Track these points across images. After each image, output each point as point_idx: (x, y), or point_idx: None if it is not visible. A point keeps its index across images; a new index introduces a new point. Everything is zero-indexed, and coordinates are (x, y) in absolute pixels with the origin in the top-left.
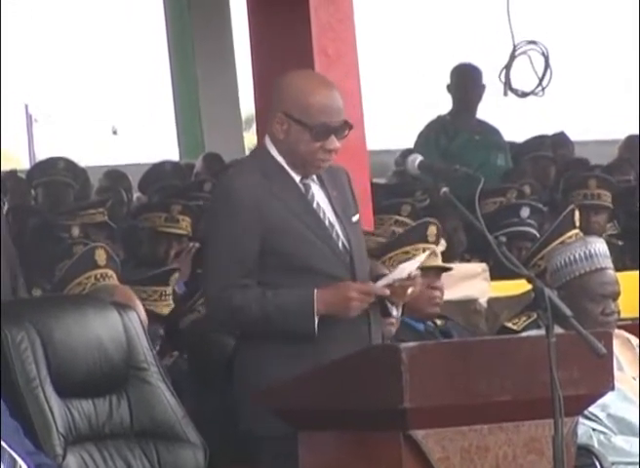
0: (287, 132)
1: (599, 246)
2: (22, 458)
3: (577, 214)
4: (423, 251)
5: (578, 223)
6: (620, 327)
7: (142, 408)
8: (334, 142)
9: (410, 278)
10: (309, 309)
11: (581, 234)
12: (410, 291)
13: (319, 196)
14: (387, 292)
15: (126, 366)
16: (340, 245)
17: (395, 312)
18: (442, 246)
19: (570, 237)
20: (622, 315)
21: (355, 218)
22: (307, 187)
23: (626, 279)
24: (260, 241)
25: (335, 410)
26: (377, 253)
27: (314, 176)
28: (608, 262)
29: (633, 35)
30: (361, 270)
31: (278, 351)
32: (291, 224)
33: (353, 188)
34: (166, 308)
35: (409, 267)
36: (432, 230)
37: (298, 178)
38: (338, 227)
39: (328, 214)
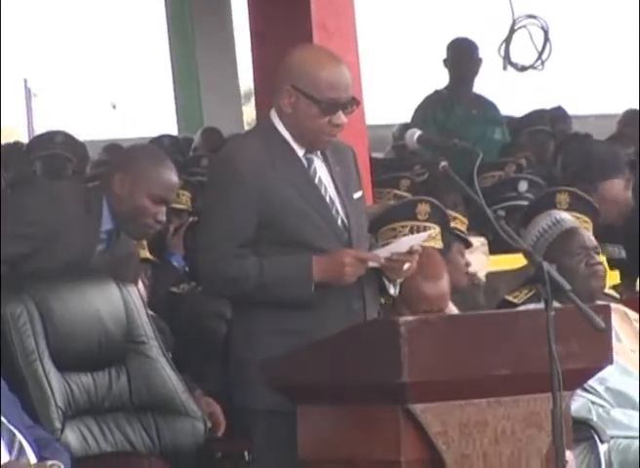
0: (294, 105)
1: (563, 214)
2: (21, 432)
3: (560, 195)
4: (410, 229)
5: (566, 205)
6: (623, 302)
7: (142, 381)
8: (341, 117)
9: (410, 252)
10: (307, 275)
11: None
12: (406, 266)
13: (321, 171)
14: (382, 260)
15: (125, 340)
16: (340, 221)
17: (392, 290)
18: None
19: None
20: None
21: (357, 195)
22: (310, 162)
23: None
24: (258, 213)
25: (333, 385)
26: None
27: (318, 152)
28: (576, 224)
29: (633, 9)
30: (358, 247)
31: (271, 327)
32: (290, 198)
33: (358, 165)
34: (143, 251)
35: (410, 241)
36: (423, 208)
37: (301, 153)
38: (338, 203)
39: (329, 189)
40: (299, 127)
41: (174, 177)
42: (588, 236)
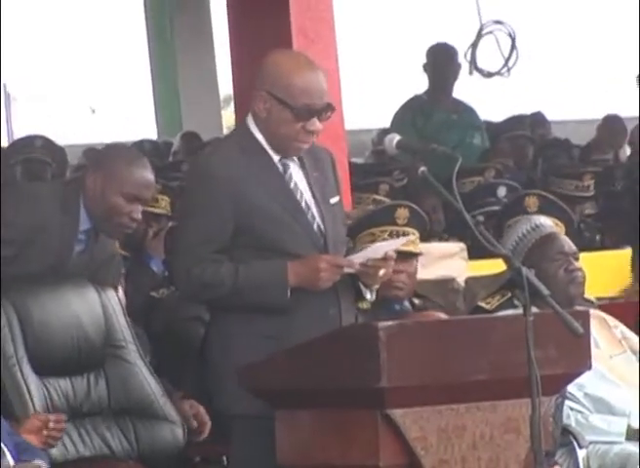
0: (269, 110)
1: (542, 219)
2: (0, 438)
3: (528, 199)
4: (390, 233)
5: (535, 209)
6: (602, 308)
7: (120, 386)
8: (315, 124)
9: (385, 259)
10: (282, 280)
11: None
12: (381, 272)
13: (297, 177)
14: (357, 266)
15: (104, 344)
16: (315, 227)
17: (369, 296)
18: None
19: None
20: (600, 295)
21: (334, 200)
22: (286, 167)
23: (604, 259)
24: (233, 218)
25: (312, 389)
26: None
27: (294, 157)
28: (555, 230)
29: (609, 14)
30: (334, 253)
31: (246, 331)
32: (265, 204)
33: (337, 171)
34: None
35: (385, 247)
36: (402, 213)
37: (277, 158)
38: (314, 209)
39: (305, 195)
40: (273, 132)
41: (148, 175)
42: (567, 241)
